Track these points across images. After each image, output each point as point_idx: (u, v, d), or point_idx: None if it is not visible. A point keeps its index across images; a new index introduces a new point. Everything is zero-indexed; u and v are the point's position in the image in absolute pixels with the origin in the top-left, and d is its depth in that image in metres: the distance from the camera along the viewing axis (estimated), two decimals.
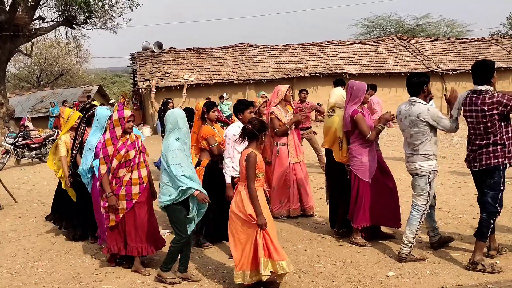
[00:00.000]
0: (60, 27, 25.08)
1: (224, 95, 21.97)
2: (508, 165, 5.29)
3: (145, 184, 5.80)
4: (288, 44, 27.59)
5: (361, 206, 6.19)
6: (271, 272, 4.90)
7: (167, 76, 23.41)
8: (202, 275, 5.66)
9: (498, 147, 5.18)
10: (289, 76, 23.61)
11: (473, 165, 5.37)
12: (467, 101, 5.30)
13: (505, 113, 5.13)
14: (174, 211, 5.36)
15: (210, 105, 6.63)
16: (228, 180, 6.13)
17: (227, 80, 23.34)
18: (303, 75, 23.70)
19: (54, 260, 6.57)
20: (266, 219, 4.94)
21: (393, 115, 6.30)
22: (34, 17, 23.62)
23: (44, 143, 16.13)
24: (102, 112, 6.42)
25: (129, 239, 5.83)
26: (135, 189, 5.72)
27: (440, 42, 28.53)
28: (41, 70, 40.64)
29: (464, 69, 24.15)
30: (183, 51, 26.39)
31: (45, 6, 24.37)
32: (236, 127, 6.14)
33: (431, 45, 27.66)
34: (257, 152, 5.02)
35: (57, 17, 24.71)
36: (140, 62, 24.72)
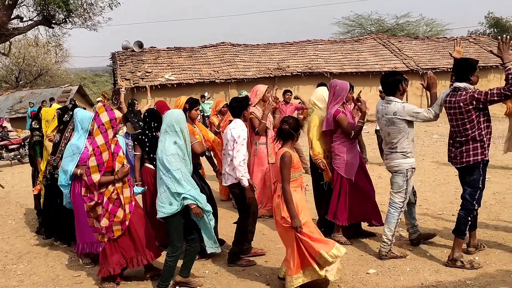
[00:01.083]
0: (38, 26, 24.79)
1: (205, 94, 21.92)
2: (488, 161, 5.37)
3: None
4: (269, 43, 27.61)
5: (343, 204, 6.22)
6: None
7: (147, 76, 23.27)
8: (205, 279, 5.51)
9: (478, 144, 5.24)
10: (271, 75, 23.63)
11: (454, 161, 5.45)
12: (448, 98, 5.37)
13: (481, 106, 5.17)
14: (174, 221, 5.03)
15: (193, 103, 6.41)
16: (245, 182, 5.63)
17: (208, 79, 23.27)
18: (284, 74, 23.74)
19: (33, 263, 6.49)
20: (306, 219, 4.82)
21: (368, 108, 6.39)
22: (12, 16, 23.30)
23: (22, 144, 15.93)
24: (83, 114, 6.01)
25: (139, 247, 5.42)
26: (129, 191, 5.45)
27: (419, 41, 28.83)
28: (19, 70, 40.02)
29: (444, 67, 24.43)
30: (163, 50, 26.26)
31: (23, 5, 24.10)
32: (240, 125, 5.76)
33: (411, 44, 27.93)
34: (292, 151, 4.90)
35: (35, 16, 24.45)
36: (121, 62, 24.53)
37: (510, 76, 5.03)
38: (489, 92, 5.13)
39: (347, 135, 6.19)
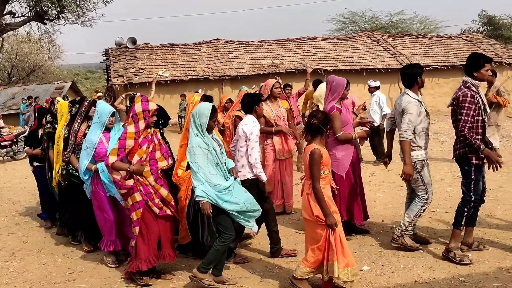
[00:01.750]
0: (31, 22, 24.63)
1: (199, 91, 21.81)
2: (480, 158, 5.42)
3: (162, 179, 5.43)
4: (263, 40, 27.58)
5: (336, 201, 6.19)
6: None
7: (141, 72, 23.20)
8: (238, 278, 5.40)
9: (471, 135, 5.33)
10: (265, 72, 23.58)
11: (453, 154, 5.60)
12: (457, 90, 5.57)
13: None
14: (215, 210, 4.91)
15: (208, 100, 6.24)
16: (264, 177, 5.64)
17: (202, 76, 23.22)
18: (278, 71, 23.69)
19: (26, 260, 6.45)
20: (335, 219, 4.64)
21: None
22: (4, 12, 23.15)
23: (15, 140, 15.83)
24: (104, 107, 5.91)
25: (165, 243, 5.42)
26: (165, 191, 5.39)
27: (413, 38, 28.84)
28: (12, 66, 39.79)
29: (437, 65, 24.44)
30: (157, 46, 26.18)
31: (16, 0, 23.94)
32: (251, 121, 5.73)
33: (404, 41, 27.94)
34: (321, 147, 4.70)
35: (28, 12, 24.28)
36: (114, 58, 24.45)
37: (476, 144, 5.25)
38: (460, 122, 5.28)
39: (334, 133, 6.12)
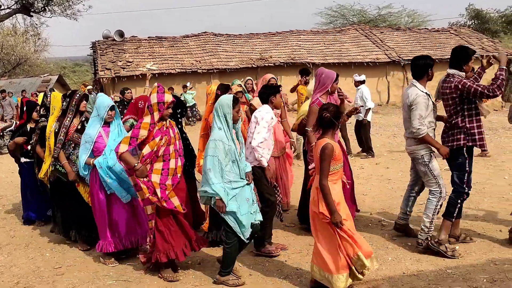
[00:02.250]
0: (17, 14, 24.35)
1: (188, 84, 21.79)
2: (475, 146, 5.46)
3: (179, 175, 5.24)
4: (251, 33, 27.54)
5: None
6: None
7: (128, 65, 23.05)
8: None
9: (461, 130, 5.40)
10: (253, 66, 23.57)
11: (444, 145, 5.58)
12: (443, 84, 5.53)
13: (464, 98, 5.34)
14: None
15: (226, 89, 6.22)
16: (264, 163, 5.58)
17: (190, 69, 23.13)
18: (267, 64, 23.69)
19: (13, 254, 6.40)
20: (344, 214, 4.53)
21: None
22: None
23: (1, 134, 15.66)
24: (103, 100, 5.72)
25: (189, 230, 5.29)
26: (169, 180, 5.15)
27: (401, 32, 28.95)
28: None
29: None
30: (145, 39, 26.03)
31: None
32: (265, 109, 5.74)
33: (392, 35, 28.04)
34: (333, 142, 4.57)
35: (13, 4, 24.00)
36: (101, 51, 24.27)
37: (500, 77, 5.20)
38: (472, 89, 5.24)
39: (307, 124, 6.00)
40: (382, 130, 16.89)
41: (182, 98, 16.38)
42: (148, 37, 26.27)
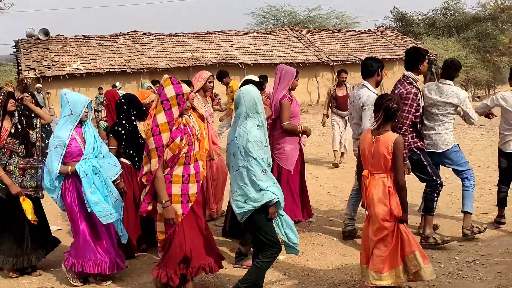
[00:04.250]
0: None
1: (117, 84, 21.26)
2: (420, 147, 5.49)
3: (201, 181, 4.47)
4: (183, 33, 27.36)
5: (288, 199, 5.57)
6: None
7: (54, 65, 22.27)
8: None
9: (405, 132, 5.36)
10: (185, 65, 23.41)
11: None
12: (396, 83, 5.60)
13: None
14: (261, 219, 4.19)
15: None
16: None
17: (119, 69, 22.66)
18: (199, 64, 23.59)
19: None
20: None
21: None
22: None
23: None
24: (77, 96, 4.88)
25: (194, 256, 4.36)
26: (193, 188, 4.35)
27: (330, 33, 29.70)
28: None
29: (352, 60, 25.30)
30: (71, 38, 25.27)
31: None
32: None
33: (321, 36, 28.71)
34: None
35: None
36: (25, 50, 23.34)
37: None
38: (404, 111, 5.25)
39: (280, 122, 5.76)
40: (313, 129, 17.12)
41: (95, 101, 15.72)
42: (75, 36, 25.52)
